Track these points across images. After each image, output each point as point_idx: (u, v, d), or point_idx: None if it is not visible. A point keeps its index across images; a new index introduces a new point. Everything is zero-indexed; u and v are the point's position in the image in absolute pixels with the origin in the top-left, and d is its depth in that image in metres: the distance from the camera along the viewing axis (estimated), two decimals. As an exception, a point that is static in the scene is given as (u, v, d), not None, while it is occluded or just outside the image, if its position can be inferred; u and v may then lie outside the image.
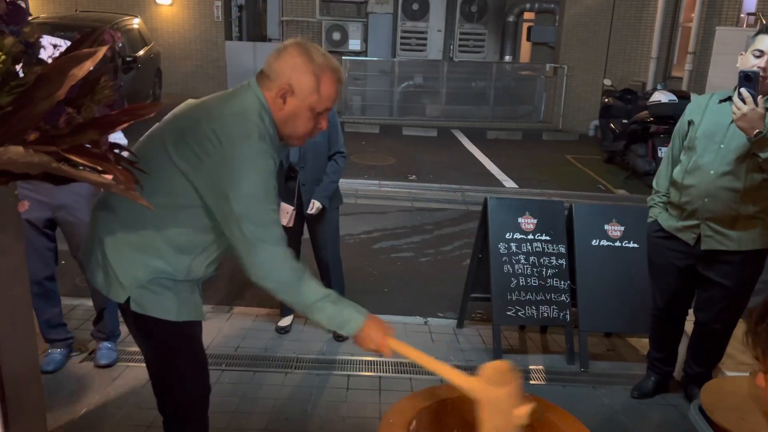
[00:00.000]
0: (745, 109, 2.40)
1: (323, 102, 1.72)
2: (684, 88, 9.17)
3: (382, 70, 12.73)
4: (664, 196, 2.94)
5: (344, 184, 7.02)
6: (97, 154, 1.07)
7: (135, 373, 3.12)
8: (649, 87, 10.01)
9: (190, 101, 1.80)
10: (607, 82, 10.22)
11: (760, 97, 2.42)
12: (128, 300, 1.76)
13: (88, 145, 1.07)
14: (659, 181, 3.00)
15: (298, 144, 1.84)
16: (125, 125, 1.13)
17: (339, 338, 3.65)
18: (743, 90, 2.42)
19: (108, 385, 3.01)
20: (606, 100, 9.84)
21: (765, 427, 2.00)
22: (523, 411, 1.53)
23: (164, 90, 11.95)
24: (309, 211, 3.39)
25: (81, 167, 1.07)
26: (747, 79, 2.44)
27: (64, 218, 2.91)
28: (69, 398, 2.89)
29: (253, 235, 1.63)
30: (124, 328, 3.34)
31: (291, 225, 3.38)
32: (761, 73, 2.49)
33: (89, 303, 3.79)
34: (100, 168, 1.08)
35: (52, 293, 3.08)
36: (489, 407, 1.55)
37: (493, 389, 1.55)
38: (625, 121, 9.00)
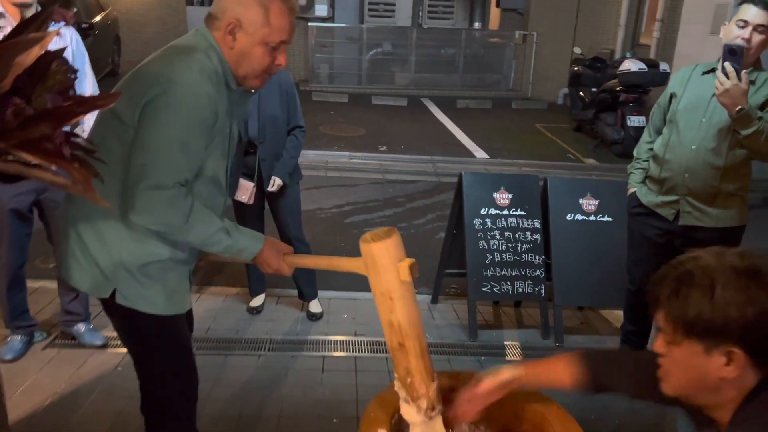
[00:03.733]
0: (728, 84, 2.34)
1: (276, 34, 1.61)
2: (652, 55, 9.18)
3: (350, 37, 12.46)
4: (644, 162, 2.92)
5: (313, 156, 6.98)
6: (50, 150, 0.96)
7: (102, 359, 3.02)
8: (617, 55, 10.00)
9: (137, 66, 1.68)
10: (577, 50, 10.18)
11: (744, 72, 2.37)
12: (113, 293, 1.67)
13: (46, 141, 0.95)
14: (639, 150, 2.97)
15: (258, 84, 1.71)
16: (80, 117, 1.01)
17: (312, 317, 3.59)
18: (727, 64, 2.36)
19: (73, 373, 2.90)
20: (575, 68, 9.81)
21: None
22: (404, 264, 1.46)
23: (123, 57, 11.51)
24: (270, 188, 3.28)
25: (34, 165, 0.96)
26: (731, 53, 2.38)
27: (49, 199, 2.81)
28: (32, 387, 2.78)
29: (143, 173, 1.50)
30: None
31: (251, 202, 3.29)
32: (746, 46, 2.44)
33: (51, 285, 3.66)
34: (53, 167, 0.97)
35: (21, 279, 2.97)
36: (372, 271, 1.49)
37: (371, 245, 1.47)
38: (594, 89, 9.00)
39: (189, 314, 2.05)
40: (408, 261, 1.47)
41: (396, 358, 1.53)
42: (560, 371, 1.54)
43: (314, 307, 3.64)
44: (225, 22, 1.60)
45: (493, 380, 1.55)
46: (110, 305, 1.71)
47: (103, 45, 10.18)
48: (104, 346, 3.11)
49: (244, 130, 3.20)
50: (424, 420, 1.54)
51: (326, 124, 8.87)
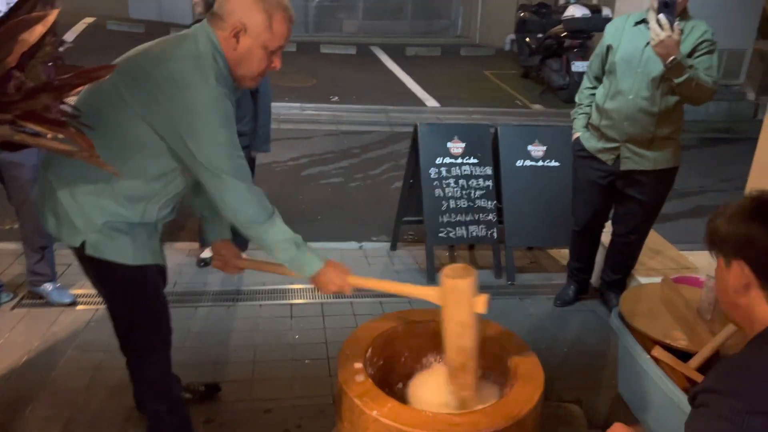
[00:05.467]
0: (662, 35, 2.50)
1: (276, 40, 1.72)
2: (595, 1, 9.36)
3: (295, -16, 12.18)
4: (586, 107, 3.12)
5: (266, 108, 6.93)
6: (53, 120, 1.03)
7: (73, 316, 3.09)
8: (562, 0, 10.14)
9: (138, 48, 1.75)
10: (523, -5, 10.27)
11: (676, 23, 2.54)
12: (83, 244, 1.76)
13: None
14: (581, 96, 3.16)
15: (252, 85, 1.83)
16: (80, 89, 1.08)
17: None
18: (661, 16, 2.51)
19: (46, 331, 2.96)
20: (521, 14, 9.92)
21: (672, 326, 2.27)
22: (481, 299, 1.64)
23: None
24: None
25: (38, 134, 1.03)
26: (665, 5, 2.54)
27: (6, 161, 2.80)
28: (6, 346, 2.83)
29: (221, 173, 1.67)
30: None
31: None
32: None
33: (11, 246, 3.66)
34: (60, 135, 1.04)
35: None
36: (451, 302, 1.67)
37: (456, 281, 1.66)
38: (540, 35, 9.15)
39: (163, 270, 2.16)
40: (484, 296, 1.65)
41: (455, 375, 1.74)
42: None
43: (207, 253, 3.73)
44: (230, 24, 1.68)
45: None
46: (81, 255, 1.82)
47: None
48: (73, 303, 3.17)
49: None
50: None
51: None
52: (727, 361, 1.23)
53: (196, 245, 3.94)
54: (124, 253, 1.80)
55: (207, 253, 3.72)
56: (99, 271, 1.86)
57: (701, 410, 1.16)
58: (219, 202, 1.73)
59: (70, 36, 10.18)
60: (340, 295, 3.41)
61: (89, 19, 11.28)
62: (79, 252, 1.81)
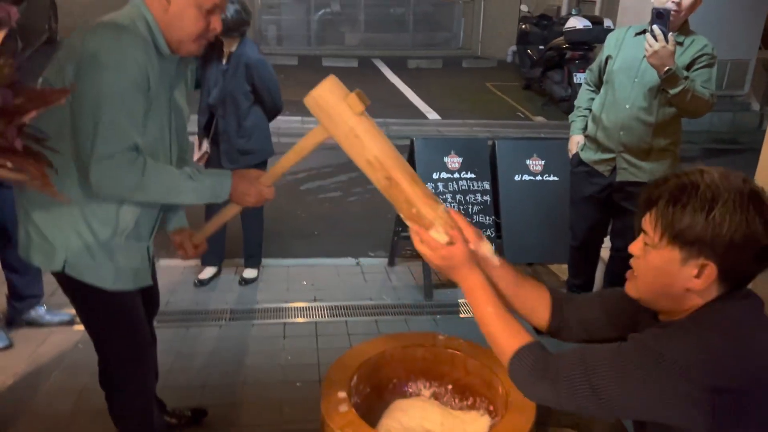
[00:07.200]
0: (656, 46, 2.48)
1: None
2: (597, 12, 9.32)
3: (297, -3, 12.22)
4: (585, 110, 3.08)
5: (265, 122, 6.89)
6: (5, 147, 0.97)
7: (62, 337, 3.02)
8: (564, 12, 10.12)
9: None
10: (524, 7, 10.25)
11: (671, 34, 2.50)
12: (63, 265, 1.70)
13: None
14: (580, 99, 3.14)
15: (195, 50, 1.71)
16: (33, 114, 1.03)
17: (242, 282, 3.65)
18: (655, 27, 2.50)
19: (32, 352, 2.90)
20: (523, 26, 9.89)
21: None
22: (352, 96, 1.40)
23: (61, 23, 11.01)
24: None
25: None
26: (659, 16, 2.52)
27: None
28: (-9, 370, 2.78)
29: (89, 148, 1.53)
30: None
31: (201, 164, 3.41)
32: (675, 8, 2.58)
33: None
34: (9, 164, 0.99)
35: None
36: (324, 117, 1.44)
37: (311, 93, 1.42)
38: (541, 47, 9.11)
39: (154, 291, 2.10)
40: (354, 92, 1.41)
41: (392, 196, 1.44)
42: (529, 286, 1.51)
43: (249, 273, 3.70)
44: None
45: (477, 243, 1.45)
46: (62, 279, 1.75)
47: (38, 10, 9.70)
48: (69, 322, 3.08)
49: (206, 95, 3.33)
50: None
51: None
52: (670, 328, 1.18)
53: (191, 262, 3.88)
54: (104, 276, 1.73)
55: (206, 274, 3.67)
56: (76, 294, 1.79)
57: (628, 344, 1.18)
58: (91, 187, 1.56)
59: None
60: (334, 314, 3.42)
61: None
62: (60, 276, 1.74)
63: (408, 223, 1.45)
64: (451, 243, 1.37)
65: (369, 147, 1.41)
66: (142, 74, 1.57)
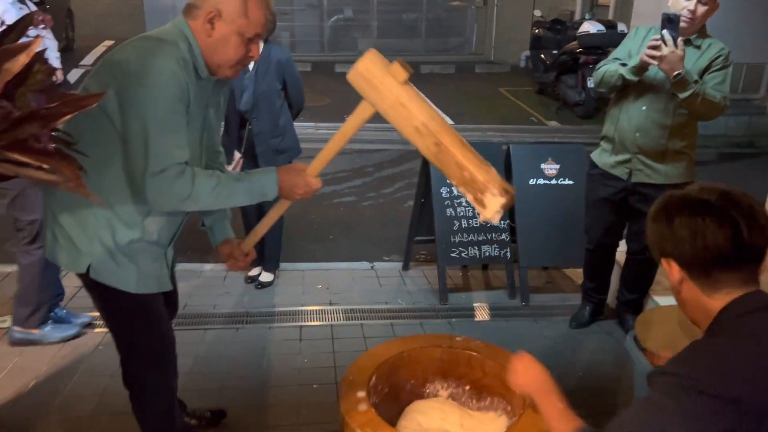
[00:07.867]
0: (665, 51, 2.50)
1: (252, 27, 1.68)
2: (611, 16, 9.31)
3: (310, 4, 12.31)
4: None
5: (280, 128, 6.96)
6: (40, 149, 1.01)
7: (83, 339, 3.07)
8: (577, 16, 10.11)
9: None
10: (537, 12, 10.26)
11: (680, 39, 2.52)
12: (88, 268, 1.74)
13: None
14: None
15: (232, 75, 1.76)
16: (68, 117, 1.06)
17: (259, 285, 3.70)
18: (664, 32, 2.52)
19: (54, 355, 2.95)
20: (536, 30, 9.90)
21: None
22: (395, 65, 1.40)
23: (77, 32, 11.19)
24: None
25: (24, 165, 1.01)
26: (669, 21, 2.54)
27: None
28: (14, 370, 2.82)
29: (142, 167, 1.58)
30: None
31: (237, 170, 3.42)
32: (689, 15, 2.58)
33: (6, 269, 3.65)
34: (45, 166, 1.02)
35: None
36: (368, 90, 1.45)
37: (355, 66, 1.44)
38: (555, 52, 9.11)
39: (173, 294, 2.14)
40: (396, 61, 1.40)
41: (442, 162, 1.42)
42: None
43: (265, 276, 3.76)
44: (205, 11, 1.65)
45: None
46: (86, 281, 1.79)
47: (55, 19, 9.84)
48: (90, 325, 3.14)
49: (238, 101, 3.37)
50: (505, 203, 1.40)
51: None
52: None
53: (207, 266, 3.93)
54: (127, 280, 1.77)
55: (256, 272, 3.73)
56: (100, 296, 1.83)
57: (650, 388, 1.18)
58: (149, 203, 1.63)
59: (90, 59, 10.36)
60: (350, 317, 3.44)
61: (108, 42, 11.47)
62: (84, 278, 1.79)
63: (461, 190, 1.43)
64: (510, 202, 1.37)
65: (416, 114, 1.41)
66: (183, 91, 1.63)
